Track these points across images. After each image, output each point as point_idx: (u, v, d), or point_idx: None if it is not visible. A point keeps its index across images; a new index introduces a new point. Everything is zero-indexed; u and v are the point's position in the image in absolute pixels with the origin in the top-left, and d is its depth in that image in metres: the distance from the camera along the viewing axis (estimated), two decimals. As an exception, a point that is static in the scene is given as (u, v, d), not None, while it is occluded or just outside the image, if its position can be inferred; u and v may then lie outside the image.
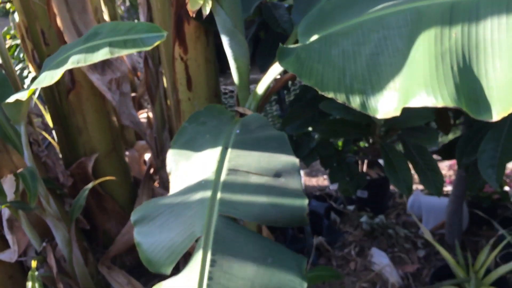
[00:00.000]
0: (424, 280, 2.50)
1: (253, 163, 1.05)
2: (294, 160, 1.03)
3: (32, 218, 1.90)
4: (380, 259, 2.64)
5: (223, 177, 1.03)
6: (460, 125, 1.92)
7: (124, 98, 2.22)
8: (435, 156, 1.73)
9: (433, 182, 1.83)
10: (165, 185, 2.63)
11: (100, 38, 1.28)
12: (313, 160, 1.93)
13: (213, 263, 0.91)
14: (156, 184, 2.69)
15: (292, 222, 0.99)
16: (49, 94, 2.37)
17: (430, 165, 1.68)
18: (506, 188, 2.95)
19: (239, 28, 1.32)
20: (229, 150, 1.10)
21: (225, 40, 1.34)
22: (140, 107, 3.36)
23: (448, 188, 3.27)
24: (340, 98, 0.96)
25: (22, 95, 1.36)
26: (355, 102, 0.95)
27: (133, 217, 1.05)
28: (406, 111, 0.87)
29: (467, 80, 0.82)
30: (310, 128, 1.86)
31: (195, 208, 1.01)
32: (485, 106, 0.80)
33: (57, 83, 1.38)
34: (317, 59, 1.04)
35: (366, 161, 3.00)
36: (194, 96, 1.68)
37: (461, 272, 2.07)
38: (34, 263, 1.70)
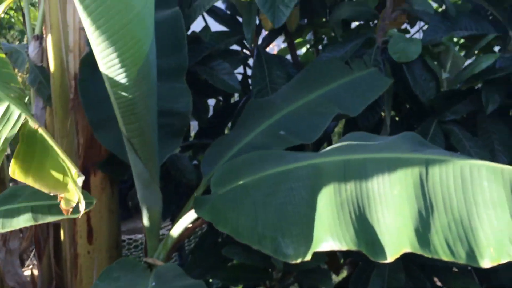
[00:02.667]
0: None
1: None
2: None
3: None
4: None
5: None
6: (346, 265, 2.01)
7: (10, 257, 1.94)
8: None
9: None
10: None
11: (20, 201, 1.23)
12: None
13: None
14: None
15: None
16: None
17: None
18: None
19: (155, 178, 1.36)
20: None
21: (140, 190, 1.38)
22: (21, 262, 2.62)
23: None
24: (254, 245, 1.07)
25: None
26: (268, 248, 1.06)
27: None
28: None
29: (364, 227, 0.98)
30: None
31: None
32: (381, 249, 0.95)
33: None
34: (231, 208, 1.14)
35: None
36: (95, 249, 1.61)
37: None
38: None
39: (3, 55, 1.22)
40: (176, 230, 1.37)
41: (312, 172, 1.11)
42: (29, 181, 1.03)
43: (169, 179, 1.84)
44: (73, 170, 0.98)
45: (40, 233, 2.02)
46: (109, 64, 1.03)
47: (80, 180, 0.97)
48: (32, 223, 1.17)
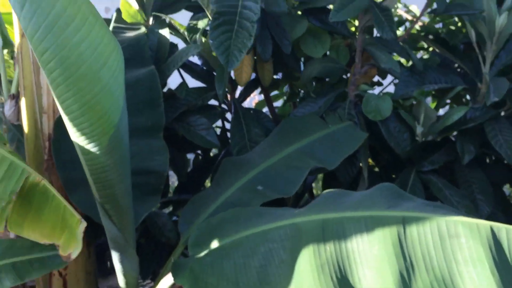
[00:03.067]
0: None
1: None
2: None
3: None
4: None
5: None
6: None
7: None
8: None
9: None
10: None
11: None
12: None
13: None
14: None
15: None
16: None
17: None
18: None
19: (130, 242, 1.33)
20: None
21: (115, 255, 1.34)
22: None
23: None
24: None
25: None
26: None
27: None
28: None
29: (345, 289, 0.95)
30: None
31: None
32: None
33: None
34: (211, 272, 1.11)
35: None
36: (71, 315, 1.55)
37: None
38: None
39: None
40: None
41: (290, 232, 1.09)
42: (24, 233, 1.08)
43: (149, 236, 1.80)
44: (76, 216, 1.06)
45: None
46: (78, 134, 1.02)
47: (82, 226, 1.05)
48: (19, 282, 1.13)
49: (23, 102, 1.56)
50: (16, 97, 1.85)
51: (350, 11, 1.54)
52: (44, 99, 1.51)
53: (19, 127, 1.76)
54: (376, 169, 1.95)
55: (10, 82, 1.96)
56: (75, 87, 0.95)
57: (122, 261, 1.35)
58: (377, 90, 2.00)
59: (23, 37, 1.51)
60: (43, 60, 0.94)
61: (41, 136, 1.53)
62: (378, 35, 1.65)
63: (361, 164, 1.68)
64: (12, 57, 2.67)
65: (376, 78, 1.95)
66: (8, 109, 1.85)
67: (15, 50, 1.60)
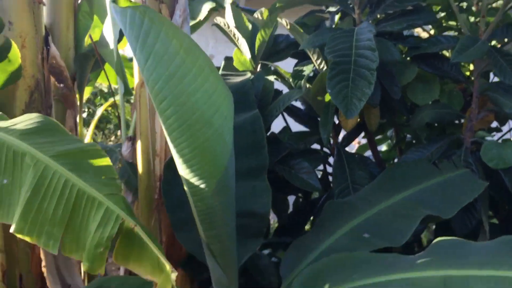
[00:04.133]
0: None
1: None
2: None
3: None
4: None
5: None
6: None
7: None
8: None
9: None
10: None
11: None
12: None
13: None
14: None
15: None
16: None
17: None
18: None
19: (233, 283, 1.34)
20: None
21: None
22: None
23: None
24: None
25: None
26: None
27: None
28: None
29: None
30: None
31: None
32: None
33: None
34: None
35: None
36: None
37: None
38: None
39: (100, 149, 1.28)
40: None
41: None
42: (130, 267, 1.13)
43: (249, 277, 1.78)
44: (166, 266, 1.05)
45: None
46: (189, 175, 1.07)
47: (174, 275, 1.04)
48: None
49: (138, 145, 1.68)
50: (132, 139, 2.01)
51: (472, 54, 1.47)
52: (158, 143, 1.61)
53: (132, 165, 1.90)
54: (495, 221, 1.77)
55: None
56: (189, 131, 1.01)
57: (223, 303, 1.35)
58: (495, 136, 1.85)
59: (141, 87, 1.64)
60: (161, 108, 1.00)
61: (153, 177, 1.62)
62: (496, 79, 1.53)
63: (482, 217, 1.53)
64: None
65: (494, 125, 1.81)
66: (125, 149, 2.03)
67: (134, 97, 1.74)
